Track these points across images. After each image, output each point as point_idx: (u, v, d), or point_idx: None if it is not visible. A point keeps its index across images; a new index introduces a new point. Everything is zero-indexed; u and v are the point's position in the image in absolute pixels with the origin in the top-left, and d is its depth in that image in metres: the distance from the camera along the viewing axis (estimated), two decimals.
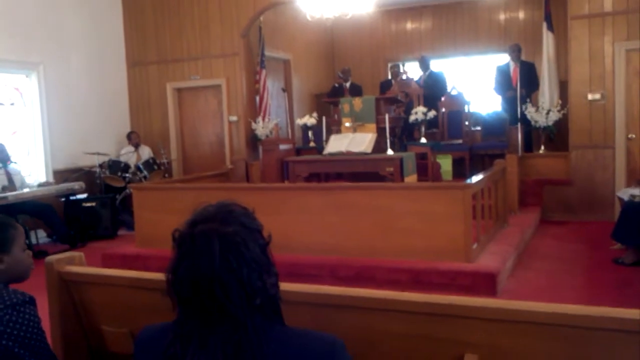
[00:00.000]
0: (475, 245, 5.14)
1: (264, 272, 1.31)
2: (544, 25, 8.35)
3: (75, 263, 2.41)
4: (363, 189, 5.51)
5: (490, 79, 9.46)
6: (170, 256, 1.32)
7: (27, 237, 7.12)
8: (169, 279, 1.31)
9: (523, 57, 8.87)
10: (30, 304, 1.91)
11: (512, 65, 8.74)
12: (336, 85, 10.62)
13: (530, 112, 8.08)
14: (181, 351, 1.28)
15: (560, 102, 8.05)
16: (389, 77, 10.57)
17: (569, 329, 1.60)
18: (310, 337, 1.32)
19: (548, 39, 8.28)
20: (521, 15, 10.98)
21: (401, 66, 10.27)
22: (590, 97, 7.67)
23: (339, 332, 1.34)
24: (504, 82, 8.77)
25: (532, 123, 8.13)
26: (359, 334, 1.78)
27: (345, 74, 10.42)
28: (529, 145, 8.55)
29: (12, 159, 7.32)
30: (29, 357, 1.84)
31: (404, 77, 9.58)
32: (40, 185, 7.59)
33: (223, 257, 1.25)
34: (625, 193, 6.04)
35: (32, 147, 8.38)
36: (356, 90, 10.14)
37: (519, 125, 8.25)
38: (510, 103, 8.54)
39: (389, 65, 10.56)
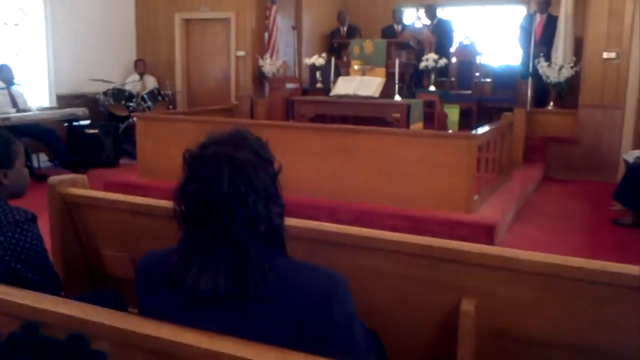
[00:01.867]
0: (476, 197, 5.14)
1: (270, 201, 1.31)
2: None
3: (78, 185, 2.41)
4: (368, 133, 5.47)
5: (513, 33, 9.25)
6: (180, 175, 1.31)
7: (29, 159, 7.13)
8: (176, 197, 1.30)
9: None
10: (33, 222, 1.92)
11: (537, 18, 8.49)
12: (332, 32, 10.45)
13: (542, 67, 7.94)
14: (183, 272, 1.29)
15: (574, 58, 7.90)
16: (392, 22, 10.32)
17: (565, 281, 1.61)
18: (313, 271, 1.32)
19: None
20: None
21: (403, 11, 10.03)
22: (605, 55, 7.52)
23: (337, 270, 1.34)
24: (526, 36, 8.54)
25: (544, 78, 8.00)
26: (356, 273, 1.79)
27: (341, 18, 10.23)
28: (540, 101, 8.44)
29: (15, 80, 7.25)
30: (31, 274, 1.86)
31: (409, 23, 9.36)
32: (41, 110, 7.54)
33: (231, 181, 1.25)
34: (631, 155, 6.00)
35: (35, 70, 8.28)
36: (353, 32, 9.97)
37: (529, 79, 8.12)
38: (528, 57, 8.36)
39: (392, 10, 10.25)
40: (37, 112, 7.35)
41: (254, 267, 1.25)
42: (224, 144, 1.29)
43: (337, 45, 8.76)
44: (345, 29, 10.17)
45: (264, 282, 1.25)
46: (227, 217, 1.25)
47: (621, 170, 6.56)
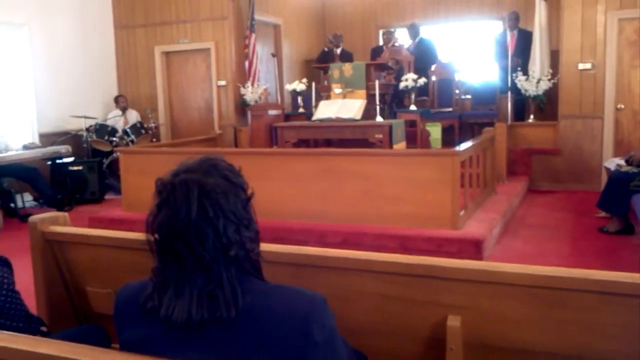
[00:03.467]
0: (462, 213, 5.16)
1: (242, 226, 1.31)
2: None
3: (60, 223, 2.39)
4: (351, 155, 5.50)
5: (488, 49, 9.42)
6: (151, 204, 1.32)
7: (13, 200, 7.08)
8: (148, 225, 1.31)
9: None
10: (0, 265, 1.88)
11: (508, 34, 8.69)
12: (326, 49, 10.49)
13: (520, 80, 8.05)
14: (158, 300, 1.28)
15: (551, 71, 8.03)
16: (381, 43, 10.44)
17: (549, 291, 1.61)
18: (290, 292, 1.32)
19: (541, 7, 8.21)
20: None
21: (393, 33, 10.14)
22: (581, 66, 7.65)
23: (321, 293, 1.34)
24: (502, 51, 8.73)
25: (523, 92, 8.12)
26: (340, 295, 1.79)
27: (337, 40, 10.29)
28: (520, 115, 8.54)
29: None
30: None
31: (396, 44, 9.48)
32: (25, 146, 7.52)
33: (200, 206, 1.25)
34: (612, 163, 6.07)
35: (18, 111, 8.25)
36: (347, 57, 10.02)
37: (509, 94, 8.23)
38: (506, 72, 8.51)
39: (381, 31, 10.41)
40: (20, 151, 7.32)
41: (226, 293, 1.25)
42: (193, 171, 1.30)
43: (322, 69, 8.81)
44: (339, 51, 10.22)
45: (237, 307, 1.24)
46: (197, 243, 1.25)
47: (604, 179, 6.63)
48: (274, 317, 1.26)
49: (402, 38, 9.91)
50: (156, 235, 1.30)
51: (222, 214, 1.27)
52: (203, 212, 1.25)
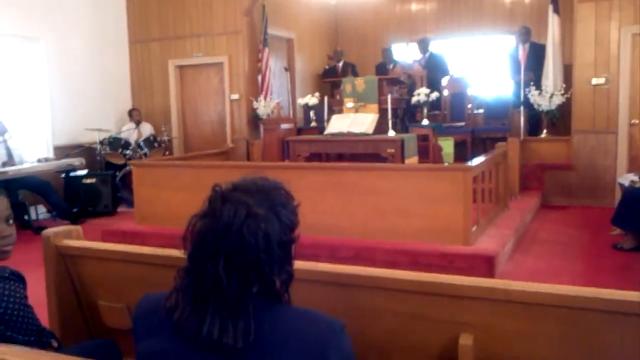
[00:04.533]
0: (474, 228, 5.13)
1: (274, 267, 1.29)
2: (550, 7, 8.24)
3: (73, 237, 2.41)
4: (363, 170, 5.49)
5: (502, 64, 9.42)
6: (201, 206, 1.32)
7: (27, 212, 7.13)
8: (189, 224, 1.30)
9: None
10: (12, 280, 1.89)
11: (520, 48, 8.68)
12: (327, 67, 10.54)
13: (533, 95, 8.03)
14: (175, 301, 1.28)
15: (564, 85, 8.00)
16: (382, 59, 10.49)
17: (563, 310, 1.60)
18: (309, 317, 1.30)
19: (553, 22, 8.19)
20: None
21: (392, 50, 10.22)
22: (594, 81, 7.62)
23: (334, 310, 1.34)
24: (515, 66, 8.71)
25: (535, 107, 8.09)
26: (354, 313, 1.78)
27: (337, 55, 10.37)
28: (533, 129, 8.51)
29: (10, 133, 7.30)
30: (10, 332, 1.83)
31: (399, 60, 9.52)
32: (39, 160, 7.59)
33: (239, 232, 1.24)
34: (626, 179, 6.02)
35: (33, 123, 8.35)
36: (350, 69, 10.08)
37: (521, 108, 8.21)
38: (518, 87, 8.49)
39: (382, 49, 10.44)
40: (34, 164, 7.39)
41: (238, 324, 1.23)
42: (250, 194, 1.29)
43: (331, 83, 8.87)
44: (340, 65, 10.30)
45: (246, 339, 1.22)
46: (223, 269, 1.23)
47: (618, 194, 6.57)
48: (292, 342, 1.24)
49: (412, 53, 9.93)
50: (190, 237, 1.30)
51: (257, 250, 1.25)
52: (239, 239, 1.24)
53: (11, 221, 2.03)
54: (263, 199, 1.29)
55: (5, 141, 7.16)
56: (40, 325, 1.97)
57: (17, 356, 1.38)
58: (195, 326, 1.24)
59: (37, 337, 1.91)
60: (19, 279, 1.91)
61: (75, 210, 7.53)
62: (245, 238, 1.24)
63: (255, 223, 1.25)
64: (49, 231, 2.38)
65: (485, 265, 4.74)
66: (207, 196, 1.31)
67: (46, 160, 7.65)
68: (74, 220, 7.19)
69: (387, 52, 10.14)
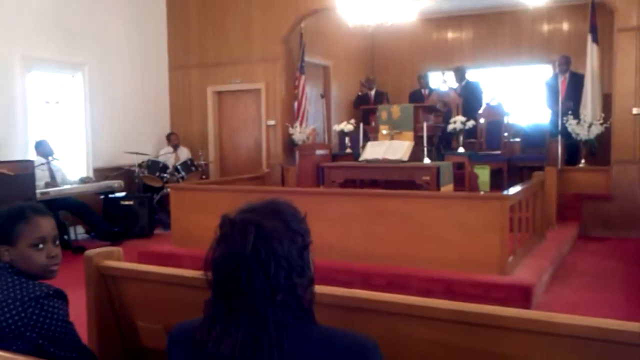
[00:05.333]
0: (511, 258, 5.06)
1: (294, 272, 1.32)
2: (589, 37, 8.16)
3: (114, 258, 2.45)
4: (398, 197, 5.48)
5: (539, 94, 9.35)
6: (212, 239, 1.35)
7: (67, 232, 7.28)
8: (207, 258, 1.34)
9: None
10: (55, 297, 1.93)
11: (560, 78, 8.63)
12: (360, 94, 10.60)
13: (571, 124, 7.93)
14: (206, 334, 1.30)
15: (603, 115, 7.89)
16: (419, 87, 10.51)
17: (604, 343, 1.56)
18: (340, 336, 1.31)
19: (592, 51, 8.10)
20: (565, 26, 10.81)
21: (429, 76, 10.23)
22: (635, 111, 7.49)
23: (370, 336, 1.34)
24: (553, 96, 8.64)
25: (574, 136, 7.98)
26: (389, 340, 1.77)
27: (369, 83, 10.43)
28: (571, 159, 8.39)
29: (54, 155, 7.51)
30: (53, 348, 1.88)
31: (434, 87, 9.52)
32: (82, 179, 7.77)
33: (254, 247, 1.27)
34: None
35: (74, 145, 8.57)
36: (381, 97, 10.12)
37: (559, 137, 8.11)
38: (556, 115, 8.40)
39: (418, 75, 10.47)
40: (75, 185, 7.57)
41: (271, 336, 1.25)
42: (255, 212, 1.34)
43: (364, 111, 8.92)
44: (372, 93, 10.37)
45: (281, 350, 1.24)
46: (246, 282, 1.27)
47: None
48: (323, 359, 1.26)
49: (449, 81, 9.94)
50: (211, 269, 1.33)
51: (274, 258, 1.28)
52: (256, 254, 1.27)
53: (57, 242, 2.09)
54: (269, 213, 1.34)
55: (49, 162, 7.36)
56: (81, 342, 2.01)
57: None
58: (229, 348, 1.26)
59: (78, 354, 1.95)
60: (61, 297, 1.96)
61: (116, 229, 7.66)
62: (260, 250, 1.27)
63: (267, 236, 1.29)
64: (91, 252, 2.43)
65: (522, 295, 4.66)
66: (216, 228, 1.35)
67: (88, 180, 7.83)
68: (114, 240, 7.30)
69: (423, 79, 10.16)
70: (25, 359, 1.56)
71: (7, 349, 1.79)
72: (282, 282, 1.29)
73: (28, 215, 2.00)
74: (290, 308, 1.31)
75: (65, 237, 7.25)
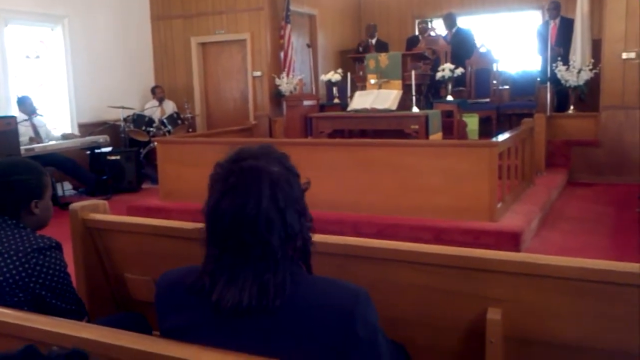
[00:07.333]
0: (499, 205, 5.08)
1: (303, 214, 1.32)
2: None
3: (100, 211, 2.43)
4: (387, 146, 5.46)
5: (530, 41, 9.24)
6: (209, 189, 1.31)
7: (54, 188, 7.22)
8: (209, 211, 1.30)
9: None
10: (57, 249, 1.94)
11: (550, 24, 8.52)
12: (360, 49, 10.44)
13: (560, 70, 7.87)
14: (210, 285, 1.28)
15: (592, 60, 7.83)
16: (417, 33, 10.33)
17: (593, 284, 1.57)
18: (333, 286, 1.31)
19: None
20: None
21: (429, 23, 10.02)
22: (625, 55, 7.43)
23: (361, 284, 1.33)
24: (543, 43, 8.54)
25: (563, 82, 7.94)
26: (381, 286, 1.77)
27: (371, 30, 10.22)
28: (560, 106, 8.36)
29: (37, 111, 7.38)
30: (55, 300, 1.89)
31: (432, 33, 9.36)
32: (64, 136, 7.67)
33: (272, 195, 1.26)
34: None
35: (57, 100, 8.42)
36: (382, 47, 9.95)
37: (548, 84, 8.06)
38: (546, 62, 8.33)
39: (417, 21, 10.30)
40: (60, 141, 7.47)
41: (277, 282, 1.25)
42: (257, 158, 1.30)
43: (353, 59, 8.78)
44: (374, 42, 10.17)
45: (283, 297, 1.25)
46: (266, 232, 1.25)
47: None
48: (317, 309, 1.25)
49: (439, 28, 9.78)
50: (214, 222, 1.29)
51: (290, 203, 1.28)
52: (274, 201, 1.25)
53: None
54: (269, 159, 1.31)
55: (31, 118, 7.24)
56: (78, 295, 2.01)
57: (50, 325, 1.40)
58: (235, 296, 1.25)
59: (77, 307, 1.95)
60: (58, 248, 1.96)
61: (104, 177, 7.63)
62: (278, 199, 1.26)
63: (279, 181, 1.28)
64: (76, 205, 2.40)
65: (511, 241, 4.70)
66: (213, 174, 1.31)
67: (71, 135, 7.73)
68: (104, 193, 7.25)
69: (425, 25, 9.77)
70: (27, 316, 1.54)
71: (8, 300, 1.79)
72: (296, 226, 1.29)
73: (44, 169, 2.08)
74: (296, 255, 1.33)
75: (54, 192, 7.19)
